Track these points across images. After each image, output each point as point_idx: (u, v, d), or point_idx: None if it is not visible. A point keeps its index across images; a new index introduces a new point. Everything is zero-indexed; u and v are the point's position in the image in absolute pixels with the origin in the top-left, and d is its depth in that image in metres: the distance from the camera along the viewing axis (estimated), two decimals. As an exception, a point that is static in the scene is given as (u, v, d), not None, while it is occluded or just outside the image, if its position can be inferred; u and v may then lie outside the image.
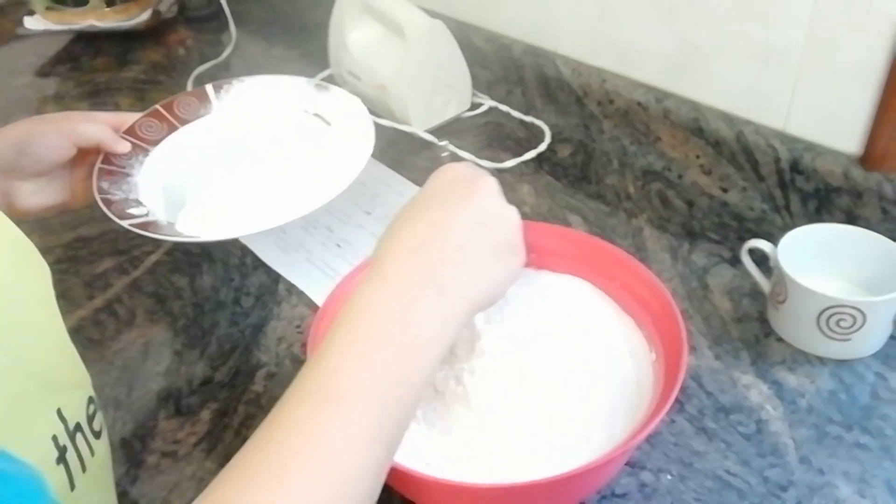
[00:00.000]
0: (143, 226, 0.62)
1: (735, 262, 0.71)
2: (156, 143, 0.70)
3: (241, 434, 0.61)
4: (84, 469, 0.43)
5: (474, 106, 0.99)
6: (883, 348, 0.62)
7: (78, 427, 0.44)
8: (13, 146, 0.63)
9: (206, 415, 0.63)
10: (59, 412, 0.42)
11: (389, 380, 0.39)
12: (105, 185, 0.65)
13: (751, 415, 0.58)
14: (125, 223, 0.62)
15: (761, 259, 0.66)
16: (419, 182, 0.86)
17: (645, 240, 0.76)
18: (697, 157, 0.80)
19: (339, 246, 0.78)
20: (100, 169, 0.66)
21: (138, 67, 1.19)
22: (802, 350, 0.63)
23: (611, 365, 0.54)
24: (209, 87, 0.74)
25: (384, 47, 0.95)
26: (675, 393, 0.47)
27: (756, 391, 0.60)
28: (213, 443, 0.60)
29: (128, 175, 0.67)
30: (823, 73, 0.69)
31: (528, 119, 0.95)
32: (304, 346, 0.68)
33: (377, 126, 0.95)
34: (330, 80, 1.03)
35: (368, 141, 0.67)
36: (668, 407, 0.46)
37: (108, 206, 0.63)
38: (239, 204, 0.63)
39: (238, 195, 0.63)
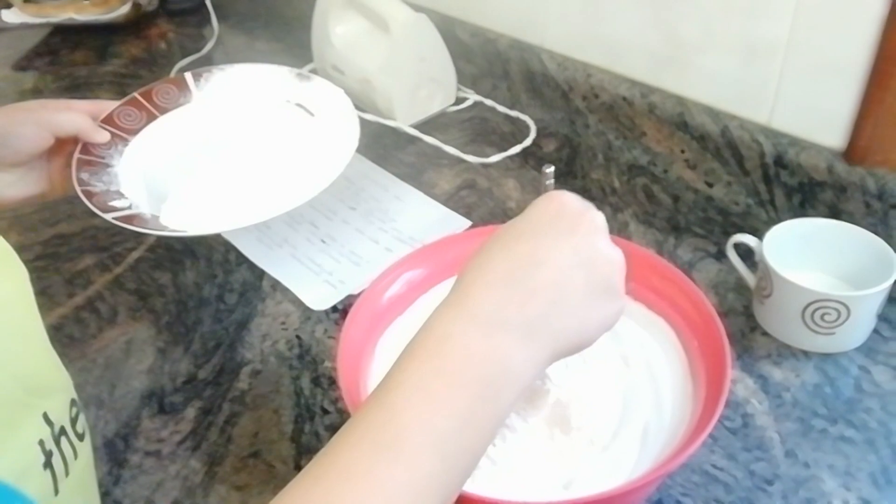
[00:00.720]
0: (128, 219, 0.61)
1: (720, 256, 0.71)
2: (135, 132, 0.68)
3: (226, 432, 0.60)
4: (67, 473, 0.42)
5: (459, 100, 0.98)
6: (867, 342, 0.63)
7: (62, 431, 0.43)
8: None
9: (190, 413, 0.62)
10: (45, 416, 0.41)
11: (459, 424, 0.36)
12: (85, 176, 0.64)
13: (737, 409, 0.58)
14: (109, 216, 0.60)
15: (746, 253, 0.66)
16: (404, 177, 0.86)
17: (631, 234, 0.76)
18: (683, 151, 0.81)
19: (323, 242, 0.77)
20: (79, 159, 0.65)
21: (118, 61, 1.17)
22: (787, 344, 0.63)
23: (649, 390, 0.54)
24: (188, 76, 0.72)
25: (368, 41, 0.94)
26: (709, 430, 0.46)
27: (742, 385, 0.60)
28: (198, 441, 0.60)
29: (108, 165, 0.66)
30: (808, 68, 0.69)
31: (514, 114, 0.95)
32: (303, 357, 0.67)
33: (361, 121, 0.95)
34: (313, 73, 1.03)
35: (353, 134, 0.66)
36: (703, 437, 0.45)
37: (90, 199, 0.62)
38: (222, 197, 0.62)
39: (221, 187, 0.62)
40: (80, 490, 0.45)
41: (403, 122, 0.93)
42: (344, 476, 0.34)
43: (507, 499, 0.46)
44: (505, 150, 0.89)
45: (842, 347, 0.62)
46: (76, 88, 1.11)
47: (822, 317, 0.60)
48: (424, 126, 0.94)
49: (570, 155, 0.88)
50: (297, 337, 0.68)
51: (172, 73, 1.09)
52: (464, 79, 0.99)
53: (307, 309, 0.69)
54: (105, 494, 0.56)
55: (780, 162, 0.72)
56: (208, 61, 1.15)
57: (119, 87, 1.10)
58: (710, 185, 0.80)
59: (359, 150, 0.90)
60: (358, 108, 0.97)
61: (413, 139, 0.92)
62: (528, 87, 0.93)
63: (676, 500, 0.53)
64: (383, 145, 0.92)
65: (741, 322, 0.66)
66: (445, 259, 0.61)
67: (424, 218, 0.80)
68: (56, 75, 1.14)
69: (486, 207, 0.81)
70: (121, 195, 0.63)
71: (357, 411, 0.37)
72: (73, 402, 0.45)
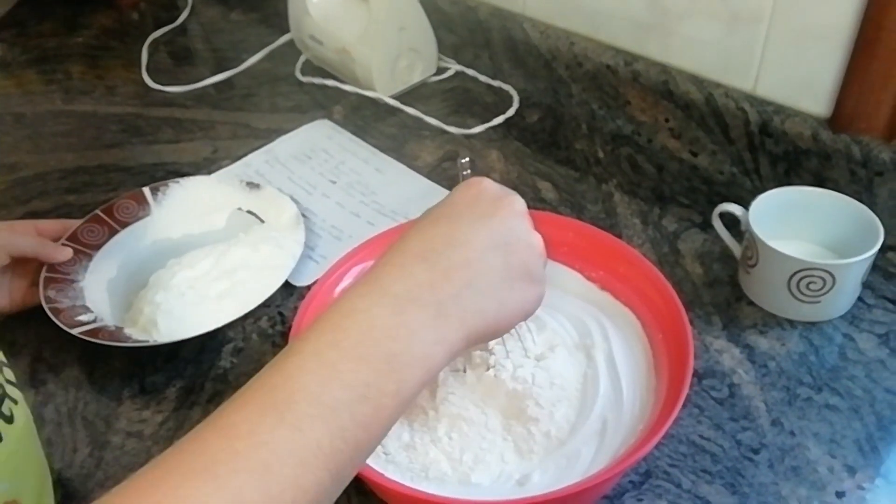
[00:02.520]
0: (93, 332, 0.62)
1: (706, 226, 0.71)
2: (98, 247, 0.71)
3: (209, 411, 0.59)
4: (0, 438, 0.41)
5: (440, 70, 0.96)
6: (851, 310, 0.63)
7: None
8: None
9: (171, 393, 0.61)
10: None
11: (354, 397, 0.35)
12: (52, 293, 0.66)
13: (723, 379, 0.58)
14: (75, 331, 0.62)
15: (732, 223, 0.66)
16: (385, 150, 0.85)
17: (615, 205, 0.75)
18: (667, 120, 0.80)
19: (304, 216, 0.76)
20: (45, 278, 0.67)
21: (89, 32, 1.14)
22: (773, 313, 0.63)
23: (607, 380, 0.53)
24: (146, 190, 0.76)
25: (346, 10, 0.92)
26: (671, 421, 0.45)
27: (728, 356, 0.60)
28: (180, 421, 0.59)
29: (73, 281, 0.68)
30: (792, 34, 0.69)
31: (496, 84, 0.93)
32: (286, 334, 0.66)
33: (340, 91, 0.93)
34: (290, 45, 1.01)
35: (300, 238, 0.70)
36: (663, 433, 0.45)
37: (57, 315, 0.63)
38: (183, 302, 0.65)
39: (180, 294, 0.65)
40: (12, 476, 0.43)
41: (383, 93, 0.91)
42: (225, 433, 0.33)
43: (458, 497, 0.46)
44: (488, 120, 0.88)
45: (827, 316, 0.62)
46: (45, 61, 1.08)
47: (807, 285, 0.60)
48: (405, 97, 0.92)
49: (553, 125, 0.87)
50: (280, 314, 0.67)
51: (145, 45, 1.06)
52: (444, 48, 0.97)
53: (289, 284, 0.68)
54: (86, 476, 0.55)
55: (764, 130, 0.72)
56: (182, 32, 1.12)
57: (90, 59, 1.08)
58: (695, 155, 0.79)
59: (337, 122, 0.90)
60: (337, 78, 0.95)
61: (394, 110, 0.90)
62: (511, 56, 0.92)
63: (664, 471, 0.53)
64: (363, 117, 0.90)
65: (727, 292, 0.66)
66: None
67: (406, 191, 0.79)
68: (24, 47, 1.11)
69: (469, 179, 0.80)
70: (86, 309, 0.66)
71: (256, 375, 0.36)
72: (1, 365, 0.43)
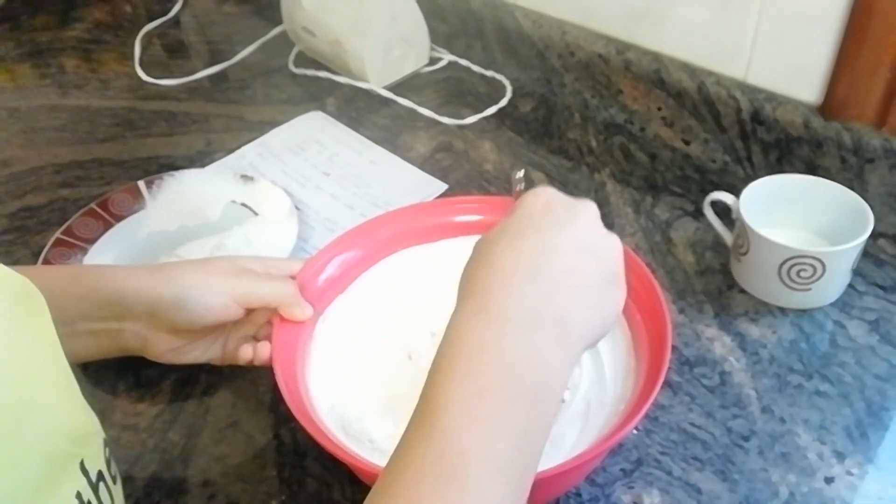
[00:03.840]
0: None
1: (698, 214, 0.71)
2: (93, 241, 0.71)
3: (204, 403, 0.60)
4: None
5: (433, 61, 0.96)
6: (842, 297, 0.63)
7: (100, 476, 0.38)
8: (172, 297, 0.53)
9: (166, 385, 0.61)
10: (81, 465, 0.36)
11: (518, 443, 0.33)
12: None
13: (715, 367, 0.59)
14: None
15: (724, 211, 0.66)
16: (379, 141, 0.85)
17: (608, 194, 0.75)
18: (659, 109, 0.80)
19: (297, 208, 0.76)
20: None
21: (82, 26, 1.14)
22: (764, 301, 0.63)
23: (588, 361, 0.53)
24: (141, 184, 0.76)
25: (339, 1, 0.92)
26: (651, 403, 0.46)
27: (720, 343, 0.60)
28: (175, 414, 0.59)
29: None
30: (784, 21, 0.68)
31: (489, 74, 0.93)
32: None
33: (333, 82, 0.93)
34: (283, 36, 1.01)
35: (293, 230, 0.70)
36: (645, 410, 0.45)
37: None
38: None
39: None
40: None
41: (376, 84, 0.91)
42: None
43: None
44: (481, 111, 0.87)
45: (817, 303, 0.63)
46: (38, 55, 1.07)
47: (798, 273, 0.60)
48: (398, 88, 0.92)
49: (546, 115, 0.87)
50: (274, 306, 0.67)
51: (138, 38, 1.06)
52: (437, 38, 0.97)
53: (283, 277, 0.68)
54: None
55: (756, 118, 0.72)
56: (175, 25, 1.12)
57: (83, 52, 1.07)
58: (688, 143, 0.79)
59: (330, 114, 0.90)
60: (329, 69, 0.95)
61: (387, 101, 0.90)
62: (503, 46, 0.92)
63: (655, 459, 0.53)
64: (356, 108, 0.90)
65: (719, 280, 0.66)
66: (379, 239, 0.61)
67: (400, 182, 0.79)
68: (17, 41, 1.11)
69: (463, 170, 0.80)
70: None
71: (403, 443, 0.34)
72: (105, 443, 0.41)
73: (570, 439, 0.49)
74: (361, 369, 0.57)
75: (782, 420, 0.55)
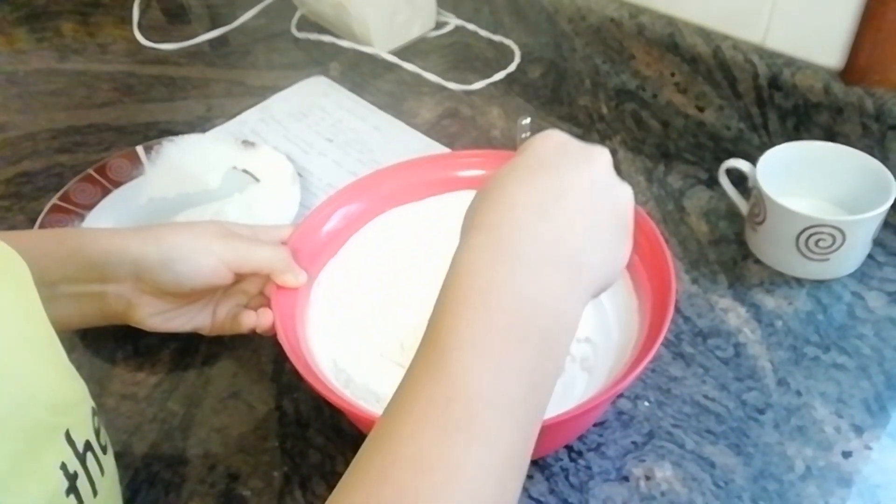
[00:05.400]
0: None
1: (712, 183, 0.69)
2: (90, 207, 0.70)
3: (204, 373, 0.58)
4: (95, 493, 0.36)
5: (439, 25, 0.94)
6: (861, 267, 0.61)
7: (88, 446, 0.36)
8: (159, 256, 0.51)
9: (165, 355, 0.60)
10: (67, 435, 0.35)
11: (527, 386, 0.32)
12: None
13: (729, 339, 0.57)
14: None
15: (739, 179, 0.64)
16: (383, 107, 0.83)
17: (619, 162, 0.74)
18: (673, 74, 0.77)
19: (300, 175, 0.74)
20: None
21: (79, -12, 1.11)
22: (780, 271, 0.61)
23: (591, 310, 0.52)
24: (140, 149, 0.74)
25: (342, -38, 0.89)
26: (656, 348, 0.44)
27: (734, 314, 0.59)
28: (175, 383, 0.58)
29: None
30: (805, -18, 0.66)
31: (497, 38, 0.91)
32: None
33: (337, 47, 0.91)
34: (285, 0, 0.98)
35: (295, 197, 0.68)
36: (650, 357, 0.44)
37: None
38: None
39: None
40: None
41: (381, 48, 0.89)
42: (415, 466, 0.29)
43: None
44: (488, 76, 0.85)
45: (835, 274, 0.61)
46: (35, 19, 1.05)
47: (816, 243, 0.58)
48: (403, 53, 0.90)
49: (556, 81, 0.85)
50: (276, 274, 0.66)
51: (137, 2, 1.03)
52: (443, 2, 0.94)
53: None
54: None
55: (774, 83, 0.69)
56: (174, -12, 1.09)
57: (81, 16, 1.05)
58: (702, 110, 0.77)
59: (335, 79, 0.88)
60: (333, 34, 0.93)
61: (392, 66, 0.88)
62: (512, 9, 0.89)
63: (667, 432, 0.52)
64: (361, 73, 0.88)
65: (733, 250, 0.64)
66: (381, 192, 0.60)
67: (405, 149, 0.77)
68: (14, 5, 1.08)
69: (470, 136, 0.78)
70: None
71: (407, 383, 0.32)
72: (93, 412, 0.39)
73: (578, 387, 0.48)
74: (361, 327, 0.56)
75: (798, 393, 0.53)
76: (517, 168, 0.38)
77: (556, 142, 0.40)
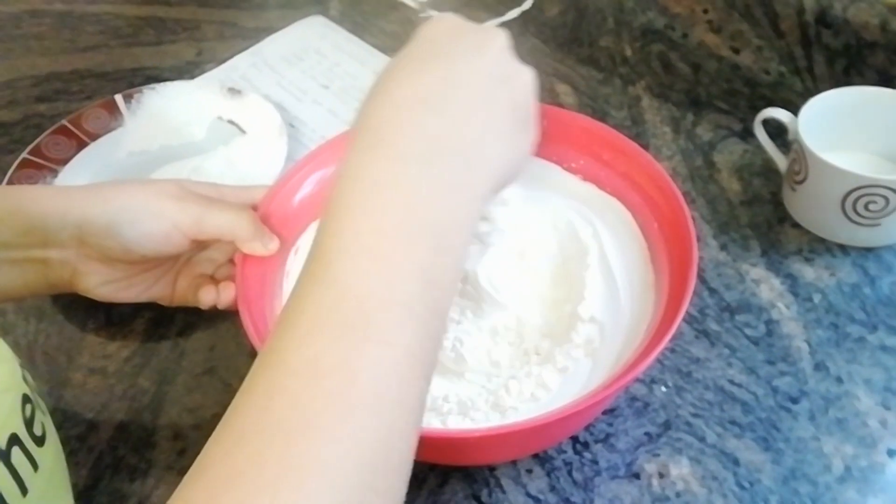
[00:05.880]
0: None
1: (746, 135, 0.63)
2: (64, 161, 0.65)
3: (179, 346, 0.54)
4: (25, 492, 0.33)
5: (449, -42, 0.86)
6: (915, 233, 0.55)
7: (14, 440, 0.33)
8: (105, 219, 0.46)
9: (139, 325, 0.56)
10: None
11: (423, 284, 0.31)
12: None
13: (760, 315, 0.52)
14: None
15: (777, 131, 0.58)
16: (385, 49, 0.77)
17: (643, 111, 0.68)
18: (705, 11, 0.70)
19: (292, 126, 0.69)
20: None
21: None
22: (822, 237, 0.56)
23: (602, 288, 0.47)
24: (119, 98, 0.69)
25: None
26: (673, 330, 0.39)
27: (767, 287, 0.53)
28: (147, 357, 0.54)
29: None
30: None
31: (512, -28, 0.83)
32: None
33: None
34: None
35: (282, 149, 0.64)
36: (668, 337, 0.39)
37: None
38: None
39: None
40: None
41: (384, -16, 0.82)
42: (308, 374, 0.28)
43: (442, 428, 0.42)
44: (501, 14, 0.79)
45: (886, 241, 0.55)
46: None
47: (865, 205, 0.52)
48: (409, -11, 0.83)
49: (575, 19, 0.78)
50: (260, 236, 0.61)
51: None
52: (454, -68, 0.86)
53: (271, 204, 0.62)
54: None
55: (822, 20, 0.62)
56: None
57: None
58: (737, 52, 0.69)
59: (333, 19, 0.81)
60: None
61: (395, 4, 0.82)
62: (528, -61, 0.81)
63: (686, 422, 0.46)
64: (361, 12, 0.82)
65: (768, 212, 0.58)
66: None
67: (406, 96, 0.71)
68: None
69: (478, 83, 0.71)
70: None
71: (294, 297, 0.30)
72: (24, 399, 0.35)
73: (582, 372, 0.43)
74: None
75: (839, 380, 0.48)
76: (407, 58, 0.37)
77: (449, 26, 0.39)
